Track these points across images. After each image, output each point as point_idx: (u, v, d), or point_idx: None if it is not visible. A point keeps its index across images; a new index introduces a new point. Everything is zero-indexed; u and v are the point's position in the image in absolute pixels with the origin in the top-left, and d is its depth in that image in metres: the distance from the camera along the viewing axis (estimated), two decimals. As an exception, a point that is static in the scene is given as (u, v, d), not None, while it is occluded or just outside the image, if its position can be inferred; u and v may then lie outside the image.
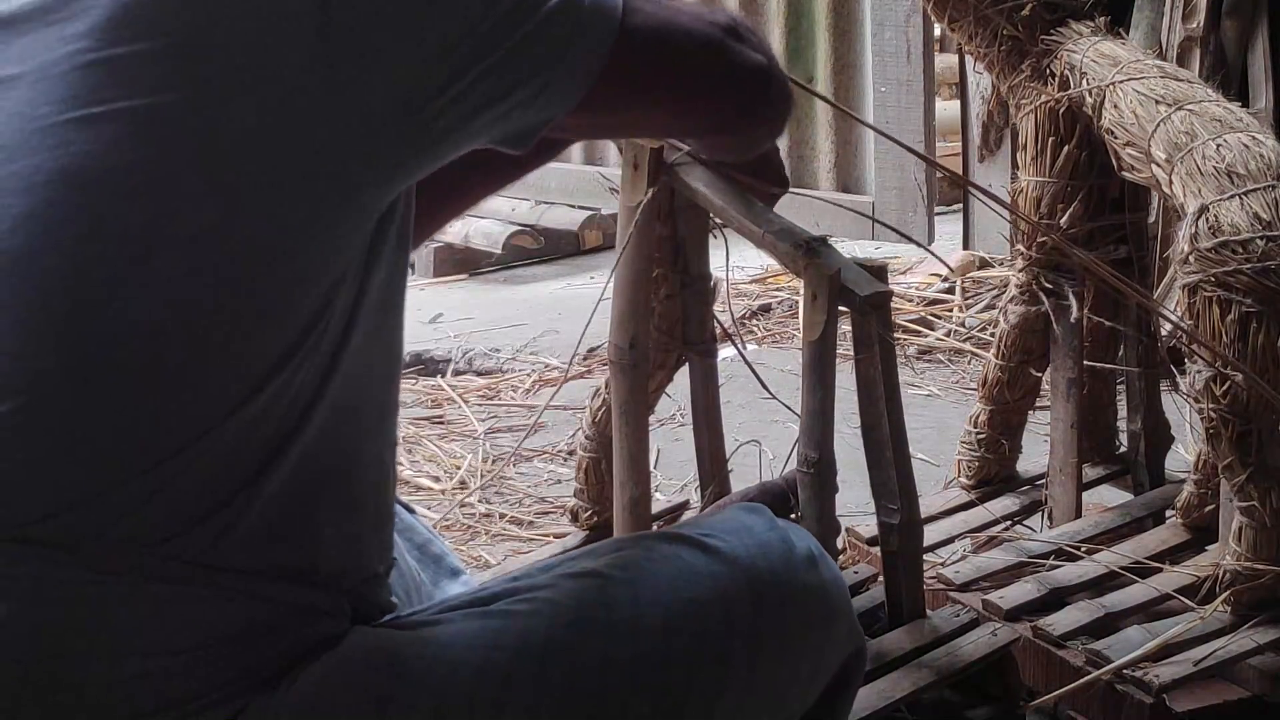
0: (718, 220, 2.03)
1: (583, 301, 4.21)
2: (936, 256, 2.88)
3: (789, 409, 2.35)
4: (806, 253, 1.81)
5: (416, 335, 4.26)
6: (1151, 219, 2.53)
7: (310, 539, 1.16)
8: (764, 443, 2.54)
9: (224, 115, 1.07)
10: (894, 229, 2.76)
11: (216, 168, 1.07)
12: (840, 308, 1.79)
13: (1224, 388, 1.79)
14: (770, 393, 2.24)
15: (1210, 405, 1.80)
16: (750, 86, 1.38)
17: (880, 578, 1.98)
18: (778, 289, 4.53)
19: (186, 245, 1.06)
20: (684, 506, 2.50)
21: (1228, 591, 1.87)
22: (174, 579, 1.09)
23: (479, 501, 2.91)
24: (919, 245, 2.27)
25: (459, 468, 3.09)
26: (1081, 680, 1.80)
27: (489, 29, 1.14)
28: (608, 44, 1.21)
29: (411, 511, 1.67)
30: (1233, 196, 1.77)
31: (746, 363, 2.19)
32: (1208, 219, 1.77)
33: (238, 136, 1.07)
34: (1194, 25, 3.54)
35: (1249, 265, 1.74)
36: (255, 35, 1.08)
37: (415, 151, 1.15)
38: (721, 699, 1.23)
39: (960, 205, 4.38)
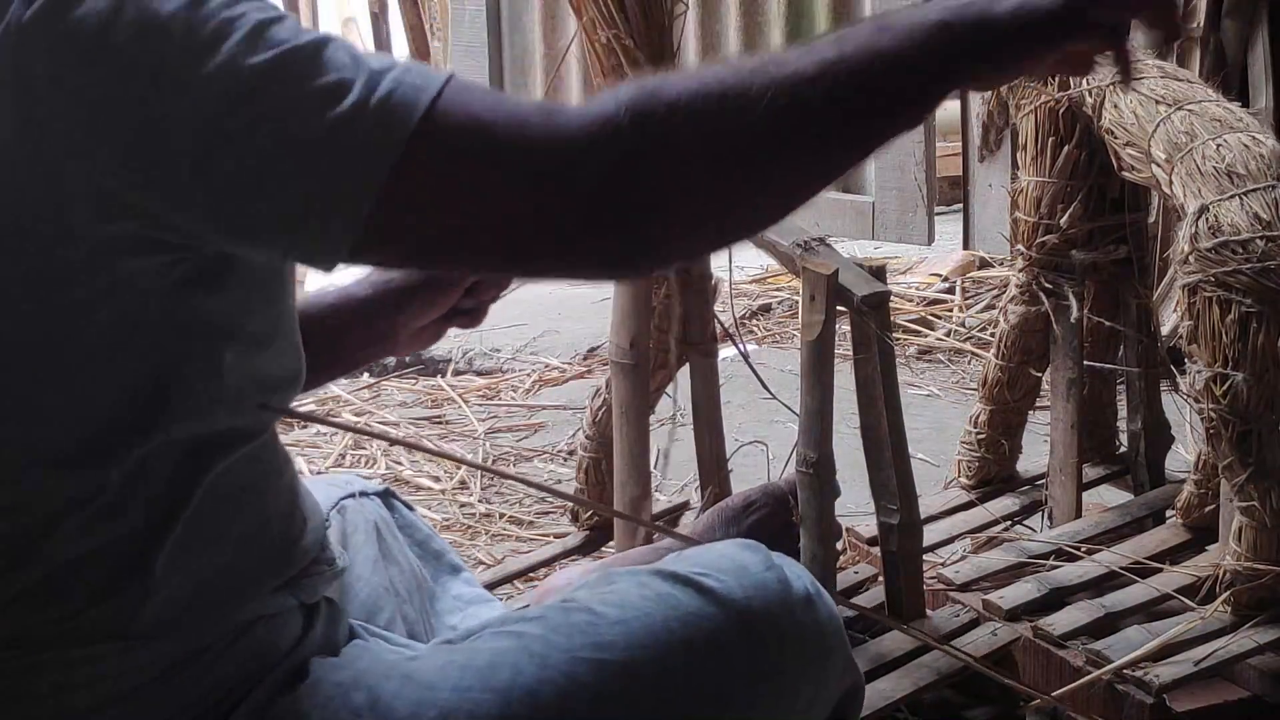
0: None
1: (583, 301, 4.21)
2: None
3: (789, 409, 2.36)
4: (805, 252, 1.81)
5: (417, 335, 4.25)
6: (1151, 219, 2.53)
7: (228, 570, 1.14)
8: (764, 443, 2.54)
9: None
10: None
11: None
12: (839, 308, 1.80)
13: (1224, 388, 1.78)
14: (770, 393, 2.25)
15: (1210, 405, 1.80)
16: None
17: (880, 578, 1.98)
18: (778, 289, 4.52)
19: None
20: (684, 507, 2.50)
21: (1228, 591, 1.87)
22: (86, 642, 1.08)
23: (479, 501, 2.91)
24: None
25: (459, 468, 3.08)
26: (1081, 680, 1.80)
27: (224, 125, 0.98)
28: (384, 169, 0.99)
29: (411, 509, 1.67)
30: (1233, 196, 1.77)
31: (748, 362, 2.19)
32: (1208, 219, 1.77)
33: None
34: (1194, 25, 3.53)
35: (1249, 265, 1.74)
36: None
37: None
38: None
39: (960, 205, 4.38)
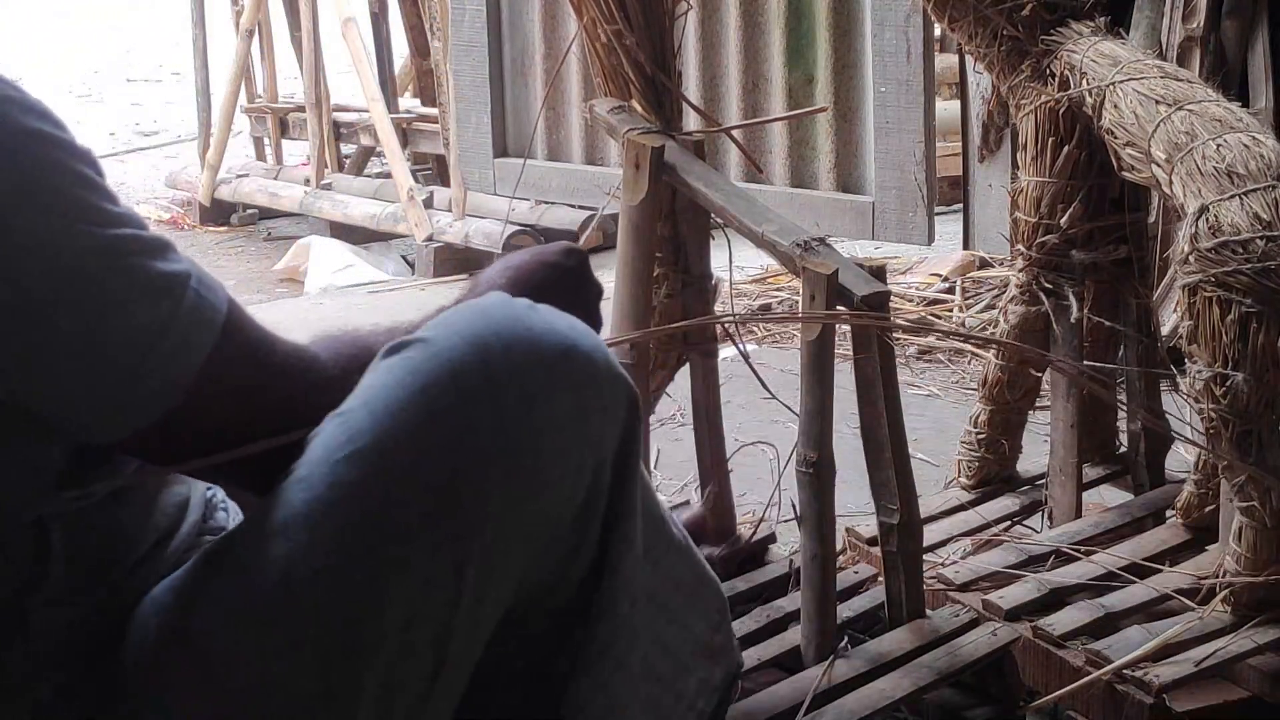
0: (718, 220, 2.04)
1: (583, 301, 4.20)
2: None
3: (789, 409, 2.36)
4: (805, 252, 1.81)
5: (416, 335, 4.26)
6: (1151, 219, 2.53)
7: (102, 600, 1.16)
8: (764, 443, 2.53)
9: None
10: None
11: None
12: (839, 308, 1.79)
13: (1224, 388, 1.78)
14: (770, 392, 2.24)
15: (1210, 405, 1.80)
16: None
17: (880, 578, 1.98)
18: (778, 289, 4.52)
19: None
20: (684, 506, 2.50)
21: (1227, 591, 1.87)
22: None
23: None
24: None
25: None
26: (1082, 680, 1.80)
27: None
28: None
29: None
30: (1233, 196, 1.77)
31: (747, 362, 2.18)
32: (1208, 219, 1.77)
33: None
34: (1194, 25, 3.54)
35: (1249, 265, 1.74)
36: None
37: None
38: (490, 470, 1.15)
39: (960, 205, 4.38)
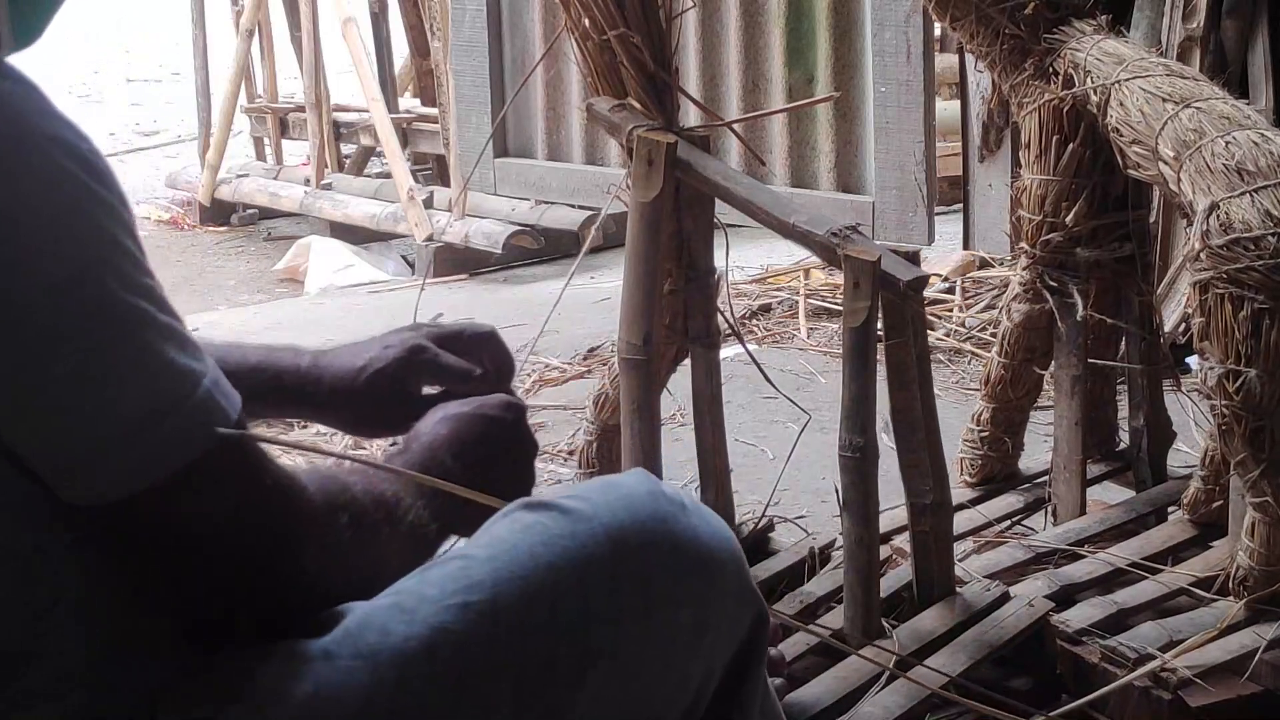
0: (717, 218, 2.05)
1: (583, 302, 4.20)
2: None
3: (795, 404, 2.36)
4: (842, 241, 1.83)
5: (417, 335, 4.25)
6: (1152, 218, 2.53)
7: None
8: (764, 443, 2.53)
9: None
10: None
11: None
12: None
13: (1237, 384, 1.79)
14: (775, 387, 2.24)
15: (1223, 401, 1.80)
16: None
17: (895, 563, 1.99)
18: (777, 289, 4.53)
19: None
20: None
21: (1241, 587, 1.87)
22: None
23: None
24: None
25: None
26: (1114, 684, 1.78)
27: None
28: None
29: None
30: (1243, 193, 1.77)
31: (751, 357, 2.19)
32: (1218, 216, 1.77)
33: None
34: (1194, 25, 3.54)
35: (1261, 262, 1.74)
36: None
37: None
38: (594, 664, 1.15)
39: (960, 205, 4.39)
